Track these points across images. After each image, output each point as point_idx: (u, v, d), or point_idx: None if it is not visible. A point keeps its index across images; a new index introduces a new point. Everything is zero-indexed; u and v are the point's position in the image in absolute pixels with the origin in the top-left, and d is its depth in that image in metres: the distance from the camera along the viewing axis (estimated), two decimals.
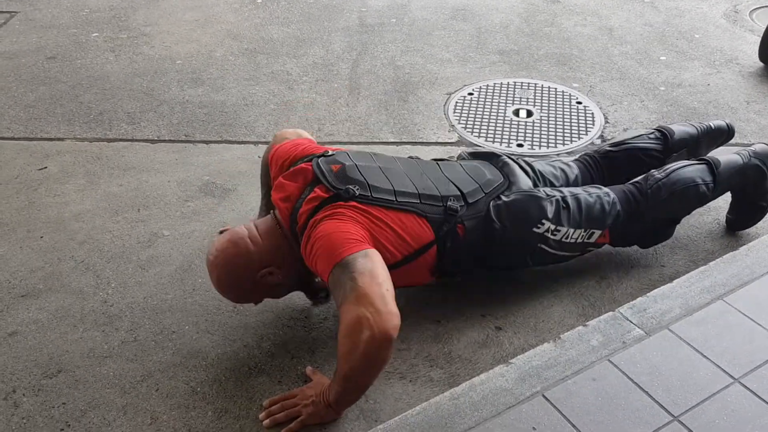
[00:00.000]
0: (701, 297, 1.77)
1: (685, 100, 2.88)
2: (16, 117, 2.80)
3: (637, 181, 1.94)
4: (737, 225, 2.12)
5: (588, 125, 2.73)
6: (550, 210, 1.80)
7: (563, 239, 1.83)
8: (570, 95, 2.93)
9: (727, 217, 2.15)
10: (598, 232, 1.87)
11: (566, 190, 1.89)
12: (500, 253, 1.80)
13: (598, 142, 2.62)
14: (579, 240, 1.86)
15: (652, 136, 2.12)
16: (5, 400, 1.63)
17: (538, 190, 1.85)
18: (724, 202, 2.21)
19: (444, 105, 2.88)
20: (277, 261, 1.66)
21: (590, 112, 2.81)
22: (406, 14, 3.72)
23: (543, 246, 1.82)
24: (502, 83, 3.04)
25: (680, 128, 2.14)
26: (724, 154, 2.00)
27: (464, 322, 1.83)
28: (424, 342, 1.78)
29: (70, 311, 1.88)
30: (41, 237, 2.15)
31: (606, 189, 1.92)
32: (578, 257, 1.94)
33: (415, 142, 2.63)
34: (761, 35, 3.09)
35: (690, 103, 2.85)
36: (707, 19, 3.63)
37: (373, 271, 1.46)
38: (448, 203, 1.72)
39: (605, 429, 1.44)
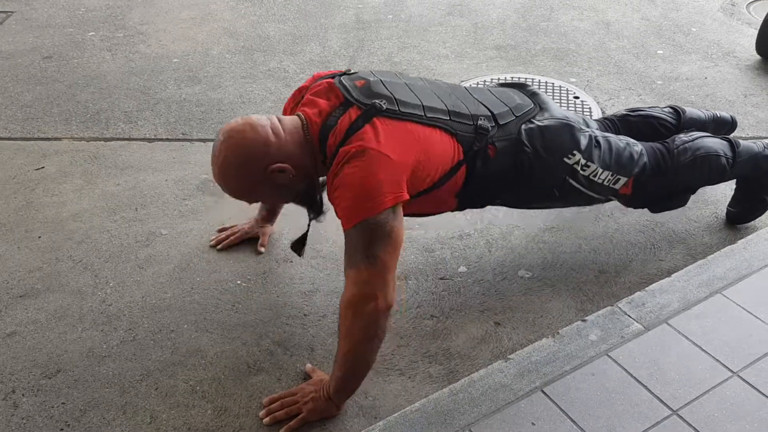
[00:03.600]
0: (699, 291, 1.77)
1: (683, 93, 2.88)
2: (12, 117, 2.79)
3: (664, 141, 1.94)
4: (739, 218, 2.12)
5: None
6: (584, 142, 1.76)
7: (591, 177, 1.78)
8: (567, 90, 2.93)
9: (728, 209, 2.15)
10: (623, 180, 1.83)
11: (597, 131, 1.84)
12: (527, 181, 1.74)
13: None
14: (606, 183, 1.82)
15: (666, 109, 2.15)
16: (5, 401, 1.63)
17: (573, 120, 1.79)
18: (723, 195, 2.21)
19: None
20: (293, 162, 1.54)
21: (588, 106, 2.81)
22: (403, 10, 3.71)
23: (571, 180, 1.77)
24: (499, 78, 3.03)
25: (691, 109, 2.18)
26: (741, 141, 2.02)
27: (463, 318, 1.83)
28: (422, 338, 1.78)
29: (68, 311, 1.88)
30: (39, 237, 2.15)
31: (634, 140, 1.89)
32: (601, 201, 1.92)
33: None
34: (758, 28, 3.09)
35: (687, 97, 2.85)
36: (704, 12, 3.63)
37: (397, 240, 1.44)
38: (479, 122, 1.65)
39: (604, 424, 1.44)
